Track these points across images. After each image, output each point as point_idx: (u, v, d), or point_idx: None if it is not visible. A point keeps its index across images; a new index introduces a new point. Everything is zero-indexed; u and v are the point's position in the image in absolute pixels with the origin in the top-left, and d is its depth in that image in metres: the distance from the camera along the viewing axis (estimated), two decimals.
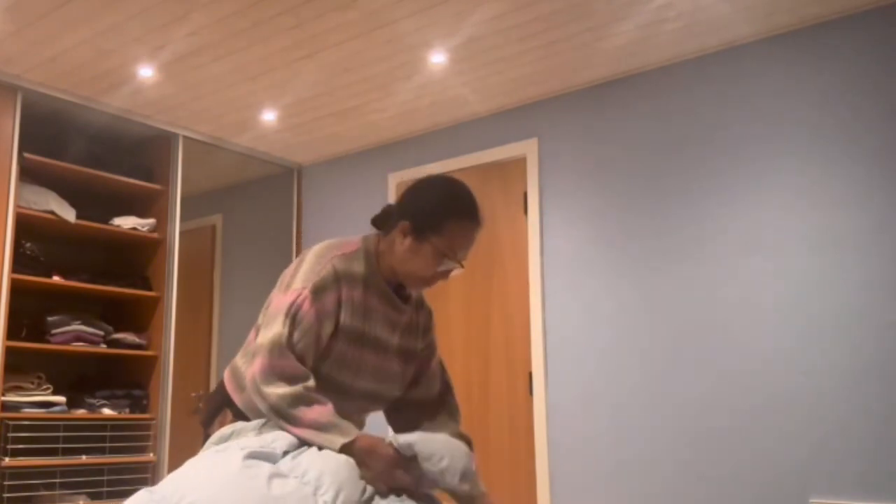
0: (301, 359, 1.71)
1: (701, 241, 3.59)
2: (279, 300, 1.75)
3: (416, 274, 1.82)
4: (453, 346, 4.40)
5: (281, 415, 1.66)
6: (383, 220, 1.88)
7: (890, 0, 3.21)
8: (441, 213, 1.79)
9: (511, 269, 4.24)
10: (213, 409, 1.86)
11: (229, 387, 1.84)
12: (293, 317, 1.70)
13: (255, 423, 1.72)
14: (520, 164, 4.28)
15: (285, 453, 1.59)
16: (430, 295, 4.75)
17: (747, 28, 3.46)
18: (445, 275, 1.85)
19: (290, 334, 1.70)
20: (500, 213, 4.33)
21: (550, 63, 3.80)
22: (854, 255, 3.19)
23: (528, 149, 4.24)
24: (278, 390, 1.66)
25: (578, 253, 3.99)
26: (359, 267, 1.81)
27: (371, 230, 1.93)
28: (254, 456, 1.54)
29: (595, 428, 3.81)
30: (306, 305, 1.71)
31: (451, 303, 4.46)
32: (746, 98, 3.54)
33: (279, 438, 1.62)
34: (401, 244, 1.82)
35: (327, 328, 1.75)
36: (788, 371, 3.29)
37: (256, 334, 1.85)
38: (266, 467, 1.52)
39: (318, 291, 1.73)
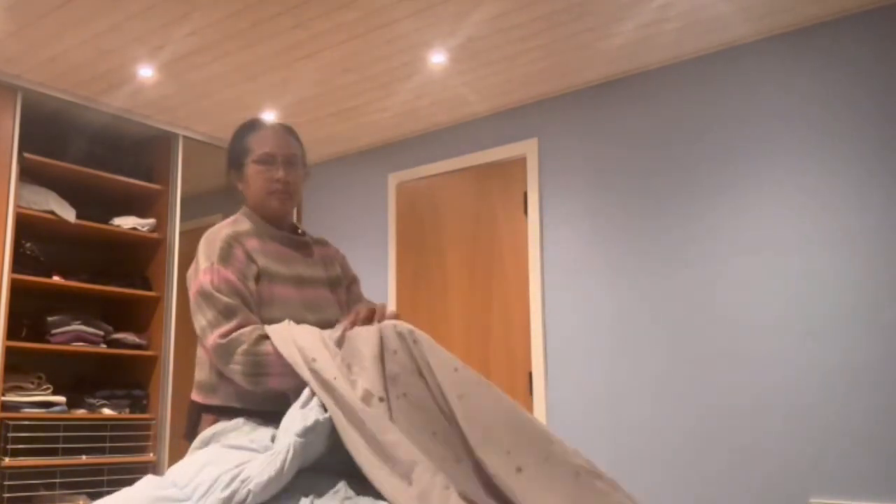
0: (248, 318, 1.77)
1: (700, 241, 3.59)
2: (195, 286, 1.82)
3: (262, 191, 1.95)
4: (453, 346, 4.40)
5: (254, 371, 1.72)
6: (238, 197, 2.06)
7: (890, 0, 3.21)
8: (237, 141, 2.01)
9: (511, 269, 4.24)
10: (192, 422, 1.90)
11: (199, 398, 1.88)
12: (218, 289, 1.77)
13: (235, 422, 1.76)
14: (520, 164, 4.28)
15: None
16: (428, 294, 4.72)
17: (747, 28, 3.46)
18: (281, 172, 1.95)
19: (225, 304, 1.77)
20: (500, 213, 4.33)
21: (550, 63, 3.80)
22: (854, 255, 3.19)
23: (528, 149, 4.24)
24: (240, 351, 1.72)
25: (578, 253, 3.99)
26: (245, 225, 1.94)
27: None
28: (238, 450, 1.60)
29: (595, 428, 3.81)
30: (223, 273, 1.80)
31: (451, 303, 4.46)
32: (746, 98, 3.54)
33: (257, 440, 1.65)
34: (244, 190, 2.00)
35: (251, 280, 1.84)
36: (788, 371, 3.29)
37: (203, 347, 1.89)
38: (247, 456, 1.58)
39: (224, 258, 1.83)
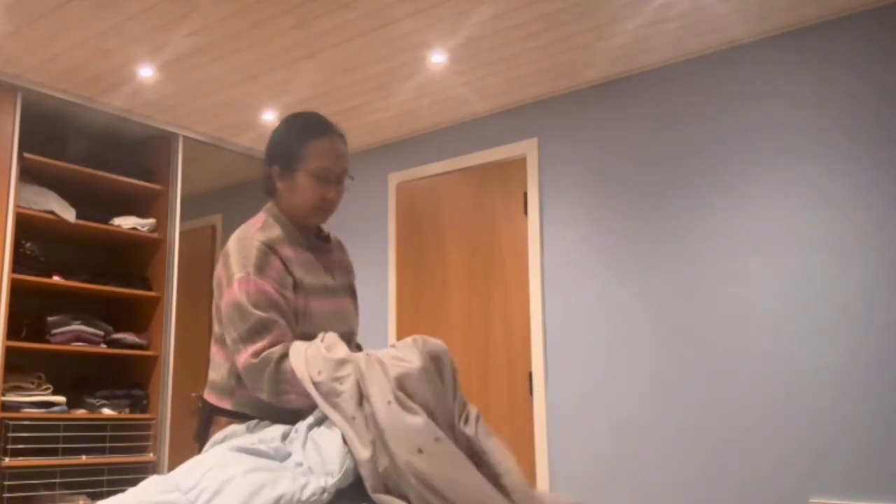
0: (283, 333, 1.74)
1: (700, 241, 3.60)
2: (229, 296, 1.77)
3: (308, 205, 1.89)
4: (453, 347, 4.40)
5: (277, 389, 1.70)
6: (267, 187, 1.97)
7: (889, 0, 3.22)
8: (293, 142, 1.90)
9: (511, 269, 4.24)
10: (203, 424, 1.89)
11: (213, 399, 1.87)
12: (255, 303, 1.73)
13: (245, 425, 1.76)
14: (520, 164, 4.28)
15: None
16: (428, 294, 4.72)
17: (747, 28, 3.46)
18: (334, 192, 1.91)
19: (258, 319, 1.73)
20: (500, 213, 4.33)
21: (550, 63, 3.80)
22: (854, 255, 3.19)
23: (528, 149, 4.24)
24: (267, 371, 1.70)
25: (578, 253, 3.99)
26: (276, 231, 1.87)
27: None
28: (245, 452, 1.59)
29: (595, 427, 3.81)
30: (259, 284, 1.74)
31: (451, 303, 4.46)
32: (746, 98, 3.54)
33: (266, 439, 1.65)
34: (283, 190, 1.90)
35: (289, 290, 1.79)
36: (788, 371, 3.29)
37: (219, 347, 1.87)
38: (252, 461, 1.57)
39: (261, 267, 1.77)
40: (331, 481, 1.46)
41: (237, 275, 1.76)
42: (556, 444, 3.91)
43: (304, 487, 1.44)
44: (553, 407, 3.96)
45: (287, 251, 1.83)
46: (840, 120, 3.29)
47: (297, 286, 1.81)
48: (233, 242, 1.84)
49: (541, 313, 4.06)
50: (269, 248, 1.80)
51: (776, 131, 3.44)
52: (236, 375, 1.81)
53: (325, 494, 1.44)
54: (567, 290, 4.00)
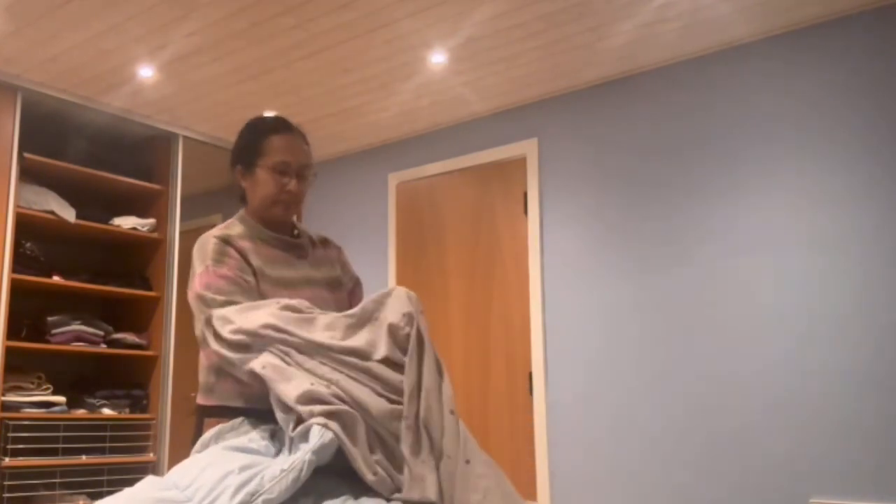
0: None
1: (701, 241, 3.59)
2: (191, 292, 1.81)
3: (270, 199, 1.93)
4: (453, 347, 4.40)
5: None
6: (240, 193, 2.02)
7: (890, 0, 3.22)
8: (253, 140, 1.95)
9: (511, 269, 4.24)
10: (197, 428, 1.91)
11: (201, 400, 1.89)
12: (216, 289, 1.76)
13: (232, 423, 1.78)
14: (520, 164, 4.28)
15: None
16: (428, 294, 4.71)
17: (747, 28, 3.46)
18: (294, 184, 1.93)
19: (223, 304, 1.75)
20: (500, 213, 4.33)
21: (550, 63, 3.80)
22: (854, 255, 3.19)
23: (528, 149, 4.24)
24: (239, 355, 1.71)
25: (578, 253, 3.99)
26: (236, 229, 1.93)
27: None
28: (238, 451, 1.62)
29: (595, 428, 3.81)
30: (219, 271, 1.79)
31: (451, 303, 4.46)
32: (746, 98, 3.54)
33: (255, 439, 1.66)
34: (248, 189, 1.96)
35: (249, 275, 1.83)
36: (788, 371, 3.29)
37: (202, 350, 1.90)
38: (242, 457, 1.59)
39: (218, 259, 1.82)
40: (315, 444, 1.47)
41: (198, 270, 1.81)
42: (556, 444, 3.91)
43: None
44: (553, 407, 3.96)
45: (244, 244, 1.88)
46: (841, 120, 3.28)
47: (256, 274, 1.84)
48: (195, 247, 1.88)
49: (541, 313, 4.06)
50: (225, 242, 1.85)
51: (776, 131, 3.44)
52: (214, 371, 1.84)
53: (311, 456, 1.45)
54: (567, 289, 4.00)
